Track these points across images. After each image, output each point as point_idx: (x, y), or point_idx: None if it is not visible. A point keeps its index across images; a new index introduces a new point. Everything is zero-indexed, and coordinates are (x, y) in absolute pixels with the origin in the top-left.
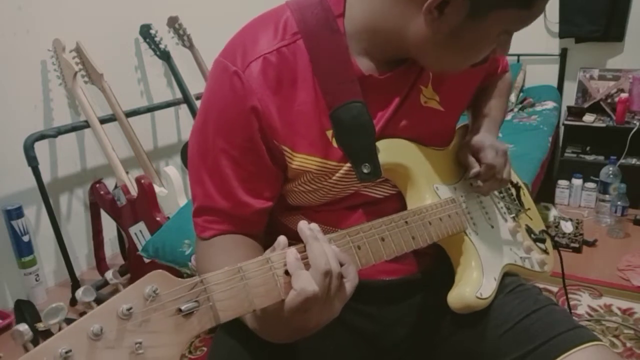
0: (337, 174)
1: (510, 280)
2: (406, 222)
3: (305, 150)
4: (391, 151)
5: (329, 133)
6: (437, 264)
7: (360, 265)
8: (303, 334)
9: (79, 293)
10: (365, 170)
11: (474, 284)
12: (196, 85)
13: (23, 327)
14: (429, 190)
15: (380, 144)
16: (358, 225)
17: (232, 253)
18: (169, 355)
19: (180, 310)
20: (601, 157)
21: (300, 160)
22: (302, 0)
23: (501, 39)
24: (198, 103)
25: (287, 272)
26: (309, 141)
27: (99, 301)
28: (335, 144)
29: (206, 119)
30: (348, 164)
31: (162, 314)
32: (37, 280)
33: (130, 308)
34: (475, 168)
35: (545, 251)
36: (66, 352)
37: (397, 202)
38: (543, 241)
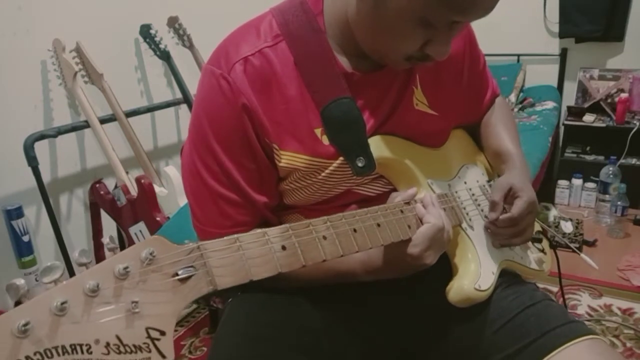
0: (327, 171)
1: (507, 277)
2: (402, 211)
3: (293, 148)
4: (384, 147)
5: (318, 131)
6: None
7: (357, 247)
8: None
9: (75, 254)
10: (360, 164)
11: (471, 276)
12: (196, 85)
13: (20, 281)
14: (423, 184)
15: (373, 141)
16: (355, 211)
17: None
18: (165, 314)
19: (177, 274)
20: (601, 157)
21: (287, 159)
22: (284, 5)
23: (428, 33)
24: None
25: (283, 247)
26: (296, 139)
27: None
28: (325, 142)
29: (201, 126)
30: (338, 161)
31: (159, 275)
32: (37, 280)
33: (127, 267)
34: (496, 213)
35: (542, 250)
36: (62, 304)
37: None
38: (539, 241)
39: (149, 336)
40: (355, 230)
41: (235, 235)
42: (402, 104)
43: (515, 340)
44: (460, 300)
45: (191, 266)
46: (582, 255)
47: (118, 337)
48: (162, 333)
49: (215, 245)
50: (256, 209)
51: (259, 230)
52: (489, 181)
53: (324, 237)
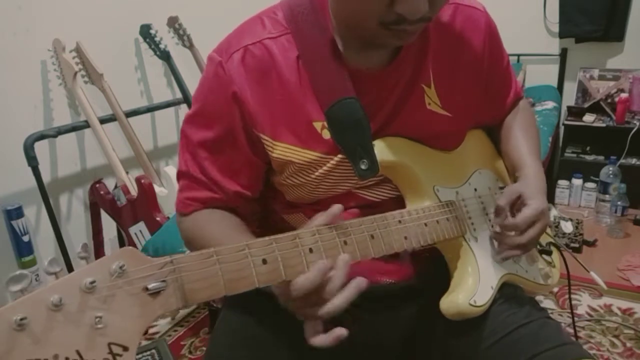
0: (324, 168)
1: (506, 290)
2: (400, 221)
3: (288, 140)
4: (389, 150)
5: (318, 125)
6: (435, 267)
7: None
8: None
9: (44, 264)
10: (363, 167)
11: (468, 291)
12: (196, 85)
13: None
14: (428, 191)
15: (378, 142)
16: (348, 221)
17: (219, 224)
18: (131, 329)
19: (147, 288)
20: (601, 157)
21: (281, 150)
22: (293, 0)
23: None
24: None
25: (264, 261)
26: (292, 132)
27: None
28: (325, 136)
29: (193, 106)
30: (336, 158)
31: (127, 291)
32: (37, 280)
33: (94, 282)
34: (499, 218)
35: (550, 264)
36: (21, 319)
37: (398, 206)
38: (549, 253)
39: (110, 352)
40: (345, 243)
41: (213, 249)
42: (410, 103)
43: (506, 358)
44: (453, 314)
45: (163, 280)
46: (592, 273)
47: (78, 353)
48: (125, 349)
49: (189, 259)
50: (225, 194)
51: (239, 244)
52: (501, 188)
53: (310, 250)
